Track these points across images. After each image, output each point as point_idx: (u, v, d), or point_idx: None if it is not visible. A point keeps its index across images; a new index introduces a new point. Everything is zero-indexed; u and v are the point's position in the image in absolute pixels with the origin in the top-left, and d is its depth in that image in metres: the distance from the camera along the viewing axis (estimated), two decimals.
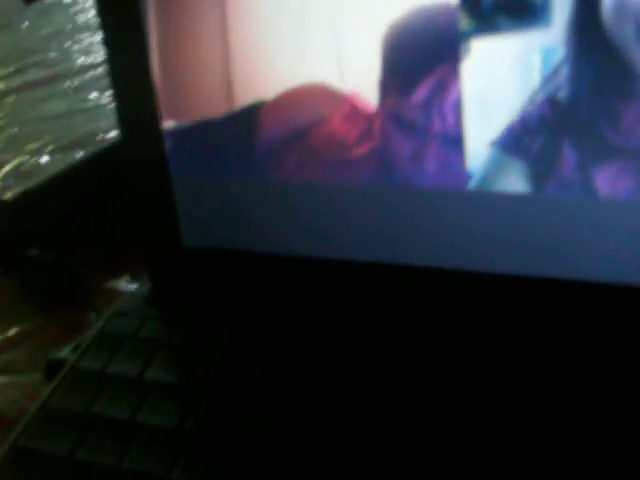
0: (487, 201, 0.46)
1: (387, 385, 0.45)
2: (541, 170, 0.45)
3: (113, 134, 0.75)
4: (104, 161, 0.72)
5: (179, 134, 0.51)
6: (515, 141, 0.45)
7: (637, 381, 0.43)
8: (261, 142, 0.50)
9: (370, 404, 0.44)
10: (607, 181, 0.44)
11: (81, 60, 0.97)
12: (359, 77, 0.47)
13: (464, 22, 0.44)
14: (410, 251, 0.49)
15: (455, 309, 0.49)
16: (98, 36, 0.51)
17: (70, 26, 1.08)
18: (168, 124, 0.51)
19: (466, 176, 0.46)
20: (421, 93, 0.46)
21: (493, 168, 0.46)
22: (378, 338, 0.49)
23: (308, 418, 0.44)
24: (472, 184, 0.46)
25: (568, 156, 0.44)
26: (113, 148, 0.73)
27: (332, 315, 0.50)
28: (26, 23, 1.12)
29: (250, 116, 0.50)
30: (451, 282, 0.49)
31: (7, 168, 0.72)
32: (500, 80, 0.44)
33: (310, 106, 0.49)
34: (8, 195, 0.68)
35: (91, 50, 0.99)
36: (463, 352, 0.47)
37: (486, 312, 0.48)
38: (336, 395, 0.45)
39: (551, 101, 0.44)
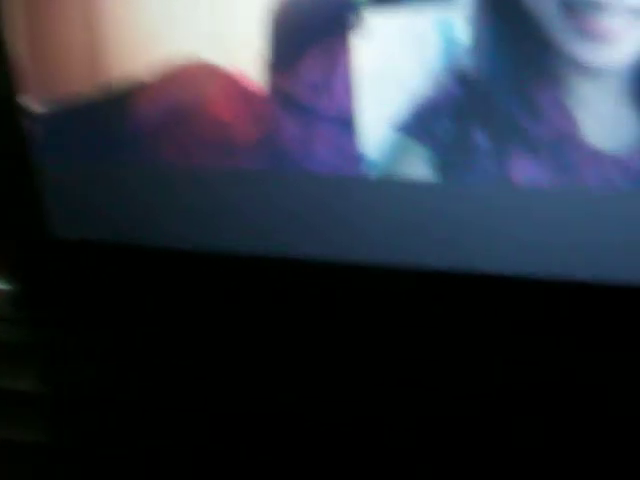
0: (391, 190, 0.43)
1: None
2: (450, 157, 0.42)
3: None
4: None
5: (44, 113, 0.47)
6: (420, 125, 0.42)
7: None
8: (139, 124, 0.46)
9: (276, 406, 0.41)
10: (522, 170, 0.41)
11: None
12: (246, 56, 0.44)
13: None
14: (307, 243, 0.46)
15: (353, 306, 0.46)
16: None
17: None
18: (30, 101, 0.46)
19: (365, 163, 0.43)
20: (311, 71, 0.42)
21: (396, 154, 0.43)
22: (260, 332, 0.46)
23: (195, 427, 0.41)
24: (373, 171, 0.43)
25: (479, 142, 0.42)
26: None
27: (216, 311, 0.47)
28: None
29: (126, 95, 0.45)
30: (352, 277, 0.46)
31: None
32: (399, 58, 0.41)
33: (193, 86, 0.45)
34: None
35: None
36: (363, 348, 0.44)
37: (387, 308, 0.46)
38: (227, 399, 0.42)
39: (459, 82, 0.41)
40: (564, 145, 0.40)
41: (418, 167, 0.43)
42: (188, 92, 0.45)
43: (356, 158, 0.43)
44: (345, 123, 0.43)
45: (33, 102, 0.46)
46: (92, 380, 0.45)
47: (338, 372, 0.43)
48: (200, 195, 0.46)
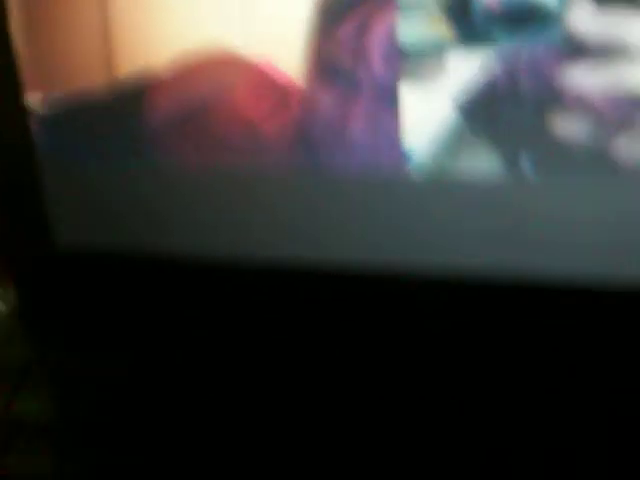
0: (438, 187, 0.39)
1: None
2: (514, 148, 0.37)
3: None
4: None
5: (50, 111, 0.43)
6: (479, 110, 0.37)
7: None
8: (151, 121, 0.41)
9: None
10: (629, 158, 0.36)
11: None
12: (270, 41, 0.39)
13: None
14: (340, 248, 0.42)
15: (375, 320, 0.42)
16: None
17: None
18: (35, 98, 0.42)
19: (408, 154, 0.38)
20: (350, 36, 0.38)
21: (449, 144, 0.38)
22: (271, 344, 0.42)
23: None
24: (415, 164, 0.38)
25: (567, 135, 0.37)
26: None
27: (233, 326, 0.43)
28: None
29: (137, 90, 0.41)
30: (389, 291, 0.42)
31: None
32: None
33: (210, 76, 0.40)
34: None
35: None
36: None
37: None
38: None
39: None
40: None
41: (476, 160, 0.38)
42: (209, 86, 0.40)
43: (398, 148, 0.38)
44: (387, 101, 0.38)
45: (39, 99, 0.42)
46: (93, 405, 0.41)
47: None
48: (218, 198, 0.42)
